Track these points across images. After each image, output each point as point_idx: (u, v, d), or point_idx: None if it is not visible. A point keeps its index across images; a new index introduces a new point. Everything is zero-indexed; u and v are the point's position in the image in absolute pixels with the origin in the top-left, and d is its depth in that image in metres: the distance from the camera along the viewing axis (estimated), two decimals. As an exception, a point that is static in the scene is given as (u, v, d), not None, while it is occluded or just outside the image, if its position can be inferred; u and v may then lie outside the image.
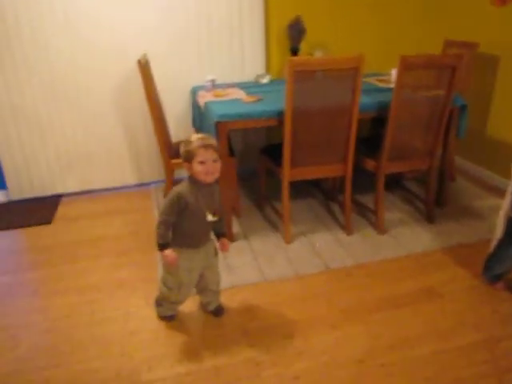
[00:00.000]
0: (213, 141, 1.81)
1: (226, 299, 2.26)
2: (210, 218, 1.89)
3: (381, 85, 3.20)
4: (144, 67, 2.82)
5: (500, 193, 3.37)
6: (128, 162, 3.66)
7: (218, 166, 1.82)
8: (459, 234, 2.87)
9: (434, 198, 3.07)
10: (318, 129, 2.59)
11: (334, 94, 2.52)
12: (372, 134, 3.64)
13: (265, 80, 3.47)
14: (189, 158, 1.79)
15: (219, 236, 2.04)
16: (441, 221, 3.03)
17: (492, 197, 3.38)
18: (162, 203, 3.28)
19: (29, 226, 3.15)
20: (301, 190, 3.51)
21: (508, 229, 2.19)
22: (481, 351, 1.94)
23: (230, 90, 3.13)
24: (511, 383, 1.78)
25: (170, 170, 2.99)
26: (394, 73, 2.97)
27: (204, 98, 2.97)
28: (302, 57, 3.48)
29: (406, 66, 2.47)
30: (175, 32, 3.36)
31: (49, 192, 3.57)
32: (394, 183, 3.59)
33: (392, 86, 2.79)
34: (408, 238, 2.84)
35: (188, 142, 1.80)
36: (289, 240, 2.82)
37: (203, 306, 2.22)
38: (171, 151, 3.03)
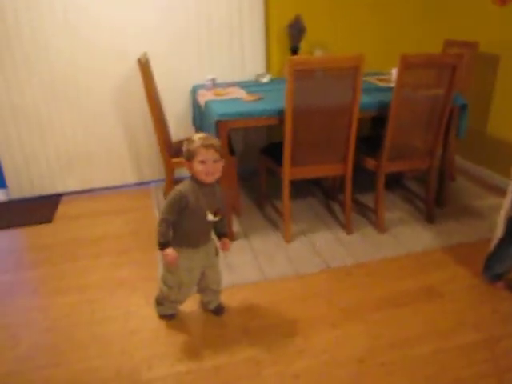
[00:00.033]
0: (215, 141, 1.80)
1: (226, 298, 2.26)
2: (210, 217, 1.89)
3: (381, 84, 3.20)
4: (144, 66, 2.82)
5: (500, 192, 3.37)
6: (128, 160, 3.67)
7: (219, 166, 1.82)
8: (459, 234, 2.87)
9: (434, 198, 3.07)
10: (318, 128, 2.59)
11: (334, 93, 2.52)
12: (372, 133, 3.64)
13: (265, 79, 3.47)
14: (190, 157, 1.80)
15: (220, 236, 2.04)
16: (441, 220, 3.03)
17: (492, 196, 3.38)
18: (162, 202, 3.31)
19: (29, 225, 3.15)
20: (301, 189, 3.51)
21: (508, 228, 2.19)
22: (481, 350, 1.94)
23: (230, 89, 3.13)
24: (511, 383, 1.78)
25: (170, 169, 2.99)
26: (394, 72, 2.97)
27: (204, 97, 2.97)
28: (302, 56, 3.48)
29: (407, 65, 2.47)
30: (175, 32, 3.36)
31: (49, 191, 3.57)
32: (394, 182, 3.59)
33: (392, 85, 2.79)
34: (408, 237, 2.84)
35: (190, 141, 1.80)
36: (289, 239, 2.82)
37: (203, 305, 2.22)
38: (171, 150, 3.03)
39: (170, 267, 1.94)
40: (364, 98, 2.65)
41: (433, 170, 2.93)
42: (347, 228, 2.90)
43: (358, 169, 2.90)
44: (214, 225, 1.99)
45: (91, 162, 3.58)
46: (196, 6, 3.33)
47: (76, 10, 3.12)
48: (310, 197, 3.45)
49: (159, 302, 2.13)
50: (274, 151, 2.86)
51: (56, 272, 2.59)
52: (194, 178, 1.84)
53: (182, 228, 1.88)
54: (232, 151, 2.92)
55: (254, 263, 2.60)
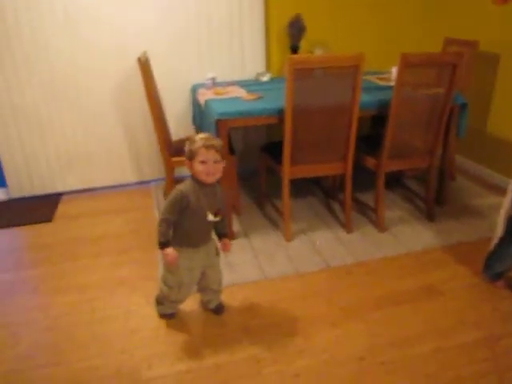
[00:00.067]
0: (216, 142, 1.80)
1: (226, 297, 2.26)
2: (210, 217, 1.89)
3: (381, 83, 3.20)
4: (144, 65, 2.81)
5: (500, 191, 3.37)
6: (128, 160, 3.66)
7: (220, 167, 1.82)
8: (459, 232, 2.87)
9: (434, 197, 3.07)
10: (318, 127, 2.59)
11: (334, 92, 2.52)
12: (372, 132, 3.64)
13: (265, 78, 3.47)
14: (191, 156, 1.80)
15: (221, 236, 2.04)
16: (441, 219, 3.03)
17: (492, 195, 3.38)
18: (162, 201, 3.32)
19: (29, 224, 3.15)
20: (301, 188, 3.51)
21: (509, 227, 2.19)
22: (481, 349, 1.94)
23: (230, 88, 3.13)
24: None
25: (170, 168, 2.98)
26: (394, 71, 2.96)
27: (204, 96, 2.97)
28: (302, 55, 3.48)
29: (407, 63, 2.47)
30: (175, 31, 3.35)
31: (49, 190, 3.57)
32: (394, 181, 3.59)
33: (392, 84, 2.79)
34: (408, 236, 2.84)
35: (192, 141, 1.81)
36: (289, 238, 2.82)
37: (204, 304, 2.22)
38: (171, 149, 3.03)
39: (170, 267, 1.94)
40: (364, 97, 2.65)
41: (433, 169, 2.93)
42: (347, 227, 2.90)
43: (358, 168, 2.90)
44: (215, 225, 1.99)
45: (91, 161, 3.58)
46: (196, 5, 3.32)
47: (76, 9, 3.11)
48: (310, 196, 3.45)
49: (159, 302, 2.14)
50: (273, 150, 2.86)
51: (56, 271, 2.59)
52: (195, 178, 1.84)
53: (183, 228, 1.88)
54: (232, 150, 2.92)
55: (254, 262, 2.60)
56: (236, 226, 2.98)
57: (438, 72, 2.63)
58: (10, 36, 3.07)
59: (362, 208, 3.20)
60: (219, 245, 2.05)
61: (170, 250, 1.85)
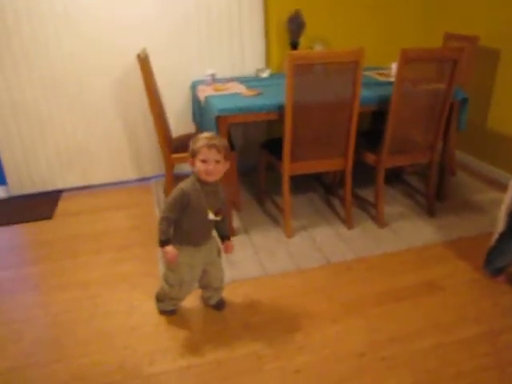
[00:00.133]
0: (219, 142, 1.80)
1: (227, 293, 2.26)
2: (211, 216, 1.88)
3: (381, 78, 3.19)
4: (143, 61, 2.81)
5: (500, 186, 3.37)
6: (128, 156, 3.66)
7: (220, 167, 1.82)
8: (460, 228, 2.87)
9: (435, 192, 3.07)
10: (318, 123, 2.58)
11: (334, 87, 2.51)
12: (372, 127, 3.64)
13: (265, 74, 3.46)
14: (193, 154, 1.81)
15: (223, 238, 2.05)
16: (441, 215, 3.03)
17: (492, 190, 3.38)
18: (163, 198, 3.32)
19: (29, 221, 3.14)
20: (301, 184, 3.51)
21: (510, 222, 2.19)
22: (482, 344, 1.94)
23: (230, 85, 3.13)
24: (512, 376, 1.79)
25: (170, 164, 2.98)
26: (394, 66, 2.95)
27: (204, 93, 2.96)
28: (301, 50, 3.47)
29: (407, 59, 2.47)
30: (175, 25, 3.34)
31: (49, 187, 3.57)
32: (395, 177, 3.59)
33: (392, 79, 2.78)
34: (408, 232, 2.84)
35: (196, 139, 1.82)
36: (289, 234, 2.82)
37: (205, 300, 2.22)
38: (171, 146, 3.02)
39: (170, 265, 1.95)
40: (364, 93, 2.64)
41: (433, 165, 2.93)
42: (347, 223, 2.90)
43: (358, 163, 2.89)
44: (216, 226, 1.99)
45: (91, 158, 3.58)
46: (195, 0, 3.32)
47: (75, 4, 3.10)
48: (310, 192, 3.45)
49: (159, 299, 2.14)
50: (273, 146, 2.86)
51: (57, 268, 2.59)
52: (197, 177, 1.84)
53: (183, 226, 1.88)
54: (232, 146, 2.91)
55: (255, 259, 2.60)
56: (236, 223, 2.98)
57: (439, 67, 2.62)
58: (10, 33, 3.06)
59: (362, 204, 3.20)
60: (222, 247, 2.06)
61: (170, 248, 1.85)
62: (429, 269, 2.47)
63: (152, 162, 3.72)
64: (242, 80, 3.31)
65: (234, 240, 2.72)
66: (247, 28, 3.50)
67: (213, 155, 1.78)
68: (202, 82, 3.31)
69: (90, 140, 3.51)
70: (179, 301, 2.13)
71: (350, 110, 2.57)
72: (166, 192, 3.12)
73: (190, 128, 3.58)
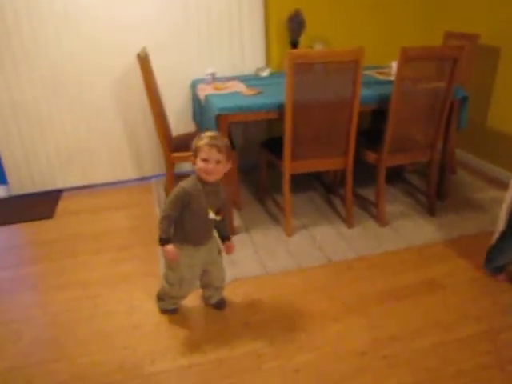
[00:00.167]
0: (221, 142, 1.79)
1: (227, 292, 2.26)
2: (212, 215, 1.88)
3: (381, 77, 3.19)
4: (143, 61, 2.80)
5: (501, 185, 3.37)
6: (128, 156, 3.66)
7: (221, 167, 1.81)
8: (460, 226, 2.87)
9: (435, 191, 3.07)
10: (318, 121, 2.58)
11: (334, 86, 2.51)
12: (372, 126, 3.64)
13: (265, 73, 3.46)
14: (195, 153, 1.80)
15: (223, 239, 2.05)
16: (442, 213, 3.03)
17: (493, 189, 3.38)
18: (163, 197, 3.31)
19: (30, 220, 3.14)
20: (302, 183, 3.51)
21: (510, 221, 2.18)
22: (482, 342, 1.94)
23: (230, 83, 3.12)
24: (513, 374, 1.79)
25: (170, 163, 2.98)
26: (394, 65, 2.95)
27: (204, 91, 2.96)
28: (302, 50, 3.46)
29: (407, 58, 2.46)
30: (175, 25, 3.34)
31: (49, 187, 3.57)
32: (395, 176, 3.59)
33: (392, 78, 2.78)
34: (409, 231, 2.84)
35: (199, 137, 1.82)
36: (290, 233, 2.82)
37: (205, 300, 2.22)
38: (172, 145, 3.02)
39: (170, 264, 1.94)
40: (364, 92, 2.64)
41: (434, 163, 2.93)
42: (348, 222, 2.90)
43: (359, 162, 2.89)
44: (217, 226, 1.99)
45: (92, 157, 3.58)
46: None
47: (75, 4, 3.10)
48: (310, 191, 3.45)
49: (160, 298, 2.14)
50: (274, 145, 2.86)
51: (57, 268, 2.59)
52: (198, 176, 1.84)
53: (184, 225, 1.88)
54: (232, 145, 2.91)
55: (256, 257, 2.60)
56: (237, 221, 2.98)
57: (439, 66, 2.62)
58: (10, 32, 3.06)
59: (362, 203, 3.19)
60: (222, 247, 2.06)
61: (170, 247, 1.85)
62: (429, 267, 2.47)
63: (152, 162, 3.72)
64: (242, 79, 3.30)
65: (235, 239, 2.73)
66: (247, 27, 3.50)
67: (214, 155, 1.77)
68: (202, 80, 3.31)
69: (90, 139, 3.51)
70: (180, 300, 2.13)
71: (350, 109, 2.56)
72: (167, 191, 3.12)
73: (190, 127, 3.58)
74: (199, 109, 3.16)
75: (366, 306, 2.18)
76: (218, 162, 1.79)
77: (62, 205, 3.38)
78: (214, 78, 3.22)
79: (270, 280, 2.41)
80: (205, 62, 3.47)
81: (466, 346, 1.92)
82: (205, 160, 1.78)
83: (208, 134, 1.82)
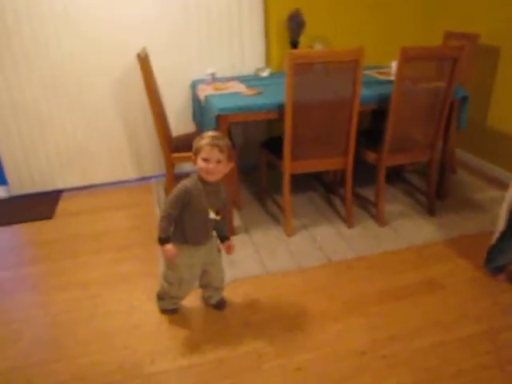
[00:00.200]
0: (222, 142, 1.79)
1: (228, 292, 2.26)
2: (212, 215, 1.88)
3: (381, 77, 3.19)
4: (143, 61, 2.81)
5: (501, 184, 3.37)
6: (128, 156, 3.66)
7: (221, 167, 1.81)
8: (460, 226, 2.87)
9: (435, 191, 3.07)
10: (318, 121, 2.58)
11: (334, 86, 2.51)
12: (372, 126, 3.64)
13: (265, 73, 3.46)
14: (196, 152, 1.81)
15: (223, 239, 2.04)
16: (442, 213, 3.03)
17: (493, 189, 3.37)
18: (163, 197, 3.31)
19: (30, 221, 3.15)
20: (301, 183, 3.51)
21: (510, 221, 2.18)
22: (482, 342, 1.94)
23: (230, 84, 3.13)
24: (513, 374, 1.79)
25: (170, 164, 2.98)
26: (394, 65, 2.96)
27: (204, 92, 2.96)
28: (301, 49, 3.46)
29: (407, 57, 2.46)
30: (175, 25, 3.34)
31: (49, 187, 3.57)
32: (395, 176, 3.59)
33: (392, 78, 2.78)
34: (409, 231, 2.84)
35: (201, 137, 1.82)
36: (290, 233, 2.82)
37: (205, 300, 2.22)
38: (171, 145, 3.02)
39: (169, 263, 1.95)
40: (364, 92, 2.64)
41: (433, 163, 2.93)
42: (348, 221, 2.90)
43: (359, 162, 2.89)
44: (216, 226, 1.99)
45: (91, 157, 3.58)
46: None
47: (75, 4, 3.10)
48: (310, 191, 3.45)
49: (160, 298, 2.14)
50: (274, 145, 2.86)
51: (57, 268, 2.59)
52: (199, 175, 1.84)
53: (184, 225, 1.88)
54: (232, 145, 2.91)
55: (256, 257, 2.60)
56: (237, 221, 2.98)
57: (439, 66, 2.62)
58: (10, 32, 3.06)
59: (362, 202, 3.20)
60: (222, 248, 2.06)
61: (169, 247, 1.85)
62: (429, 267, 2.47)
63: (152, 162, 3.72)
64: (242, 79, 3.31)
65: (235, 239, 2.73)
66: (247, 27, 3.50)
67: (215, 154, 1.77)
68: (201, 81, 3.31)
69: (90, 140, 3.51)
70: (179, 300, 2.13)
71: (350, 109, 2.56)
72: (167, 191, 3.12)
73: (190, 127, 3.58)
74: (199, 109, 3.16)
75: (365, 306, 2.18)
76: (219, 161, 1.79)
77: (62, 205, 3.39)
78: (213, 79, 3.22)
79: (270, 280, 2.41)
80: (205, 62, 3.47)
81: (465, 345, 1.93)
82: (205, 160, 1.78)
83: (210, 133, 1.82)
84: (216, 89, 2.99)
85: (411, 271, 2.45)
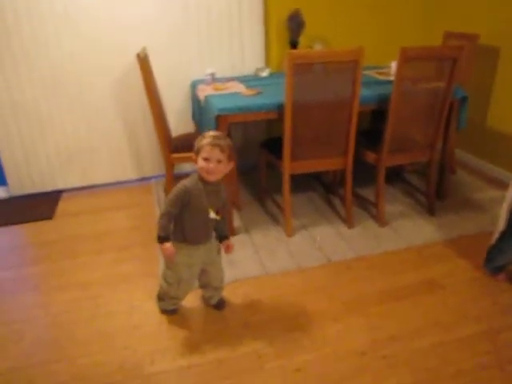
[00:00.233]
0: (223, 142, 1.79)
1: (227, 293, 2.26)
2: (212, 215, 1.88)
3: (381, 77, 3.19)
4: (143, 61, 2.81)
5: (500, 184, 3.37)
6: (128, 156, 3.66)
7: (222, 167, 1.81)
8: (460, 226, 2.87)
9: (435, 191, 3.07)
10: (318, 122, 2.58)
11: (333, 86, 2.51)
12: (372, 126, 3.64)
13: (264, 73, 3.46)
14: (197, 151, 1.81)
15: (222, 239, 2.04)
16: (441, 213, 3.03)
17: (492, 189, 3.38)
18: (163, 198, 3.32)
19: (30, 221, 3.15)
20: (301, 183, 3.51)
21: (510, 221, 2.18)
22: (482, 342, 1.94)
23: (229, 84, 3.13)
24: (512, 374, 1.79)
25: (170, 164, 2.98)
26: (393, 65, 2.96)
27: (204, 92, 2.96)
28: (301, 50, 3.47)
29: (406, 58, 2.46)
30: (175, 25, 3.34)
31: (49, 187, 3.57)
32: (395, 176, 3.59)
33: (392, 78, 2.78)
34: (409, 231, 2.84)
35: (202, 136, 1.82)
36: (290, 233, 2.82)
37: (205, 300, 2.22)
38: (171, 145, 3.02)
39: (168, 262, 1.95)
40: (364, 92, 2.64)
41: (433, 163, 2.93)
42: (348, 222, 2.90)
43: (359, 162, 2.89)
44: (216, 226, 1.99)
45: (91, 158, 3.58)
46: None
47: (75, 4, 3.10)
48: (310, 191, 3.45)
49: (160, 298, 2.14)
50: (273, 145, 2.86)
51: (57, 268, 2.59)
52: (199, 175, 1.84)
53: (184, 224, 1.88)
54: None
55: (255, 258, 2.61)
56: (236, 222, 2.98)
57: (438, 66, 2.62)
58: (10, 32, 3.06)
59: (362, 203, 3.20)
60: (222, 247, 2.06)
61: (168, 245, 1.85)
62: (429, 267, 2.47)
63: (152, 162, 3.72)
64: (242, 79, 3.31)
65: (234, 239, 2.73)
66: (247, 27, 3.50)
67: (215, 154, 1.77)
68: (201, 81, 3.31)
69: (90, 140, 3.52)
70: (179, 300, 2.13)
71: (350, 109, 2.57)
72: (167, 192, 3.13)
73: (189, 127, 3.58)
74: (199, 109, 3.16)
75: (365, 306, 2.19)
76: (219, 161, 1.79)
77: (62, 205, 3.39)
78: (213, 79, 3.22)
79: (270, 280, 2.41)
80: (205, 63, 3.48)
81: (465, 346, 1.93)
82: (206, 159, 1.78)
83: (211, 133, 1.83)
84: (216, 89, 2.99)
85: (411, 271, 2.45)
